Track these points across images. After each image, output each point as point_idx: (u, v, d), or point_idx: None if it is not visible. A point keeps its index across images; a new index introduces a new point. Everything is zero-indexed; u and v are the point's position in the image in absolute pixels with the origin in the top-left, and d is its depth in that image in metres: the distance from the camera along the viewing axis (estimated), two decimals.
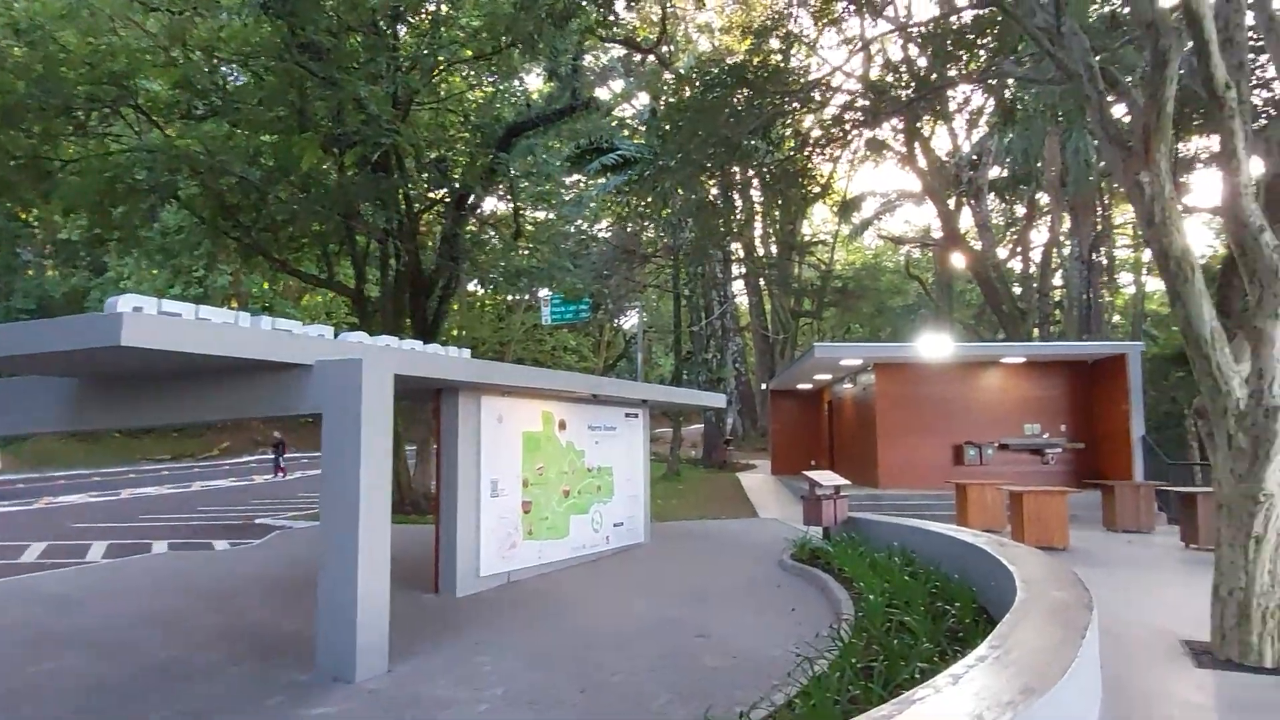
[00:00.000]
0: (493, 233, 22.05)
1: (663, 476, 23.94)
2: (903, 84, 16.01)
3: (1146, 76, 6.35)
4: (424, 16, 16.37)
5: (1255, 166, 6.45)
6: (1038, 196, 32.05)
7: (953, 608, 6.53)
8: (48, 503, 21.73)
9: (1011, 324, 27.53)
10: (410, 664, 6.43)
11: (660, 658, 6.53)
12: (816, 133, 15.95)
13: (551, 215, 24.77)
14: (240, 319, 6.35)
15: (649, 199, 20.91)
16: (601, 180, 26.43)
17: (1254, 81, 12.54)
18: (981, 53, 13.37)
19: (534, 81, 23.43)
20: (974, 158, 30.69)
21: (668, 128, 15.51)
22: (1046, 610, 4.90)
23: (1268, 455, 5.97)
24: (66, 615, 8.50)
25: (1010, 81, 15.34)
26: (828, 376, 22.73)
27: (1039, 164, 28.10)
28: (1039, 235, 34.39)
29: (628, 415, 13.10)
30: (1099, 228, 29.96)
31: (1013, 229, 36.99)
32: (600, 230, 35.39)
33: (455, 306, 28.64)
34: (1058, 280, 31.95)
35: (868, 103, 15.60)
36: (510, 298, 34.32)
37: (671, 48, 29.20)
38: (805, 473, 12.63)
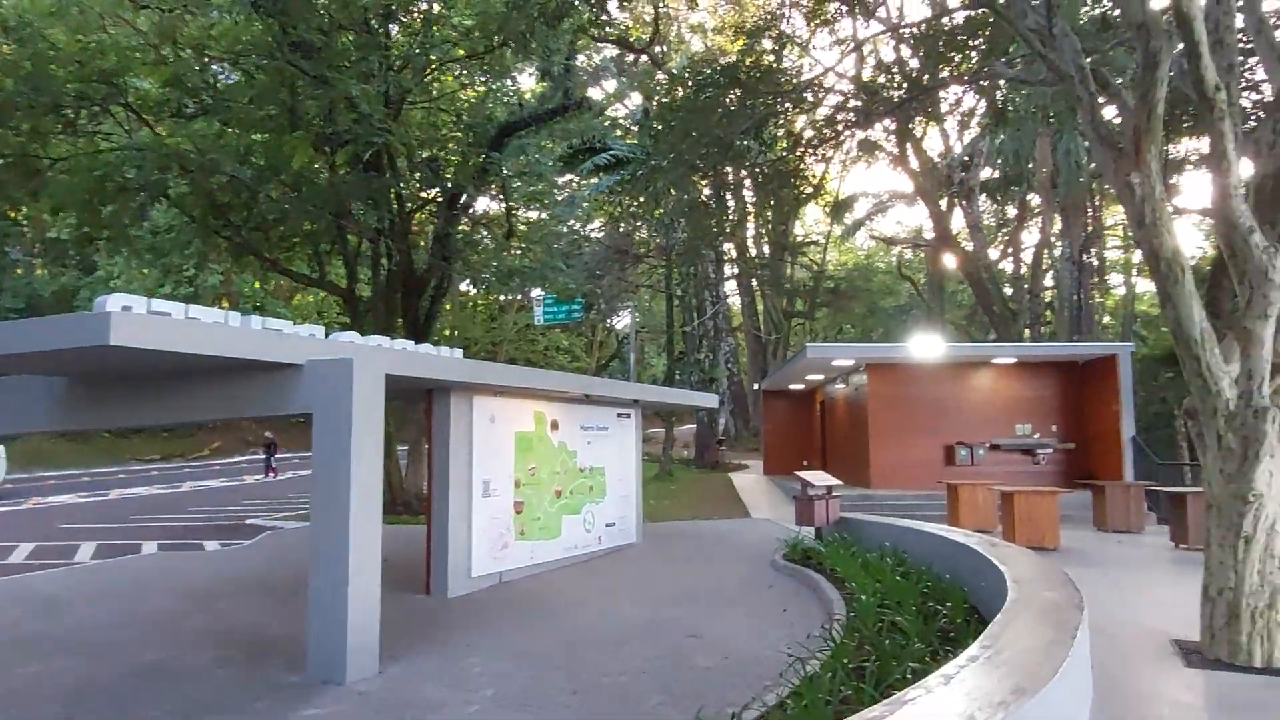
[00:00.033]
0: (485, 232, 22.02)
1: (655, 477, 23.93)
2: (895, 85, 16.03)
3: (1137, 78, 6.37)
4: (416, 15, 16.33)
5: (1245, 168, 6.47)
6: (1029, 198, 32.19)
7: (944, 608, 6.54)
8: (36, 503, 21.59)
9: (1003, 325, 27.64)
10: (401, 665, 6.40)
11: (652, 658, 6.52)
12: (809, 133, 15.96)
13: (544, 215, 24.74)
14: (230, 318, 6.32)
15: (641, 199, 20.92)
16: (594, 180, 26.42)
17: (1243, 84, 12.61)
18: (973, 54, 13.41)
19: (526, 81, 23.42)
20: (965, 159, 30.80)
21: (660, 128, 15.50)
22: (1038, 610, 4.91)
23: (1257, 456, 5.99)
24: (54, 616, 8.44)
25: (1002, 83, 15.38)
26: (820, 377, 22.77)
27: (1030, 165, 28.23)
28: (1030, 236, 34.55)
29: (620, 415, 13.09)
30: (1090, 229, 30.09)
31: (1004, 230, 37.13)
32: (593, 230, 35.40)
33: (447, 306, 28.56)
34: (1049, 281, 32.07)
35: (860, 103, 15.63)
36: (503, 298, 34.28)
37: (664, 48, 29.24)
38: (797, 473, 12.64)
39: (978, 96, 19.61)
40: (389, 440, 17.26)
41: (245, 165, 15.26)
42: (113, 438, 37.95)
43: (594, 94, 28.75)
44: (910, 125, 25.98)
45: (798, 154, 16.24)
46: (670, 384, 29.60)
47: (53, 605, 9.00)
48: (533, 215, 24.08)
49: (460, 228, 19.53)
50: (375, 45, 14.60)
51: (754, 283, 41.64)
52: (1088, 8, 14.37)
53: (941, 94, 19.46)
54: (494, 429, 9.88)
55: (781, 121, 16.17)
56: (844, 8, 14.73)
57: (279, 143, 14.42)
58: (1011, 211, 35.79)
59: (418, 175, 18.10)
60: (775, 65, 15.19)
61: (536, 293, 28.90)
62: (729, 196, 31.20)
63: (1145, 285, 38.20)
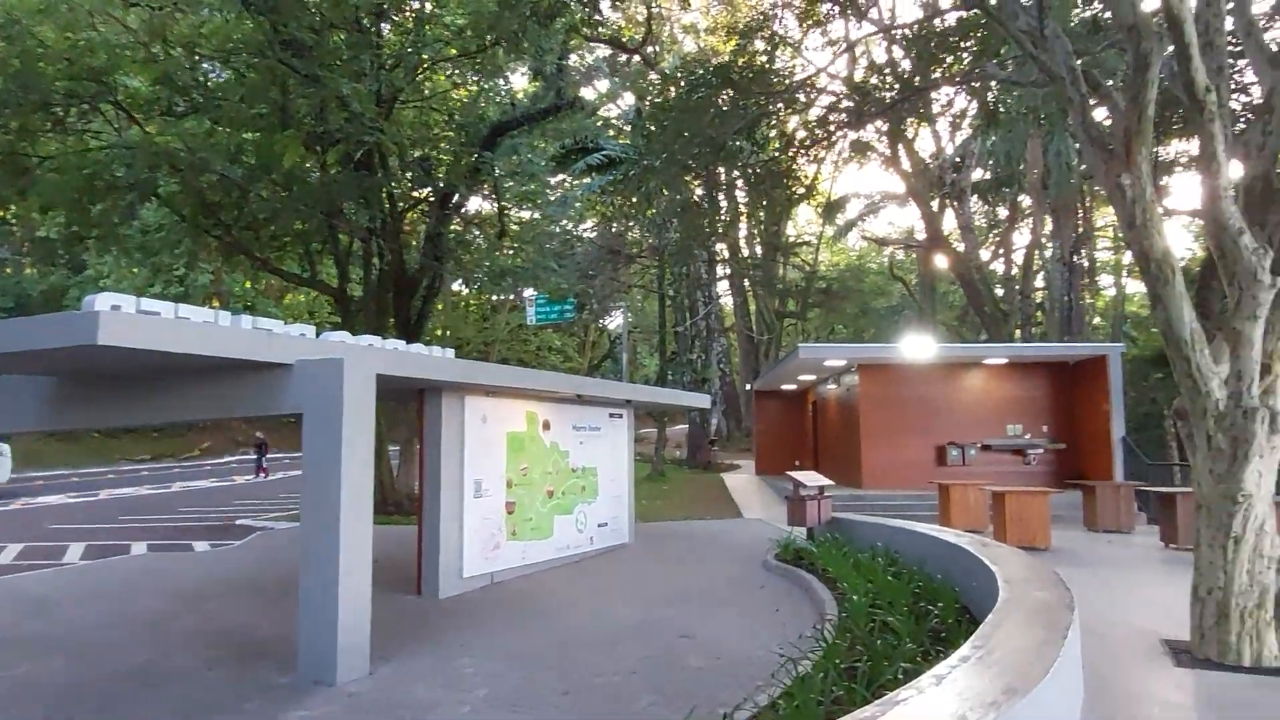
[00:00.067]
0: (477, 232, 21.97)
1: (647, 477, 23.93)
2: (887, 86, 16.09)
3: (1128, 80, 6.39)
4: (408, 14, 16.28)
5: (1234, 170, 6.51)
6: (1020, 199, 32.29)
7: (936, 608, 6.55)
8: (25, 503, 21.44)
9: (994, 325, 27.73)
10: (392, 666, 6.38)
11: (644, 659, 6.51)
12: (801, 134, 15.98)
13: (536, 215, 24.69)
14: (220, 318, 6.28)
15: (634, 199, 20.93)
16: (587, 180, 26.42)
17: (1233, 86, 12.67)
18: (965, 55, 13.45)
19: (519, 81, 23.38)
20: (957, 160, 30.88)
21: (653, 128, 15.52)
22: (1029, 610, 4.92)
23: (1246, 456, 6.02)
24: (43, 617, 8.39)
25: (993, 84, 15.43)
26: (812, 377, 22.80)
27: (1021, 166, 28.31)
28: (1021, 237, 34.66)
29: (612, 415, 13.08)
30: (1080, 230, 30.21)
31: (995, 231, 37.24)
32: (585, 230, 35.38)
33: (439, 306, 28.49)
34: (1039, 282, 32.20)
35: (852, 104, 15.66)
36: (495, 298, 34.21)
37: (657, 48, 29.20)
38: (789, 473, 12.65)
39: (969, 98, 19.68)
40: (380, 440, 17.18)
41: (236, 164, 15.18)
42: (102, 438, 37.75)
43: (587, 94, 28.70)
44: (902, 126, 26.05)
45: (790, 154, 16.26)
46: (663, 384, 29.62)
47: (42, 606, 8.94)
48: (525, 215, 24.03)
49: (452, 227, 19.50)
50: (367, 44, 14.55)
51: (746, 283, 41.69)
52: (1079, 10, 14.41)
53: (933, 95, 19.52)
54: (486, 429, 9.86)
55: (774, 122, 16.21)
56: (836, 9, 14.75)
57: (270, 141, 14.36)
58: (1003, 212, 35.90)
59: (409, 175, 18.05)
60: (768, 66, 15.22)
61: (529, 293, 28.84)
62: (721, 197, 31.24)
63: (1135, 286, 38.34)
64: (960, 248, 31.29)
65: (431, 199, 18.78)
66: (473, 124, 17.38)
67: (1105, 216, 33.88)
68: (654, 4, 24.44)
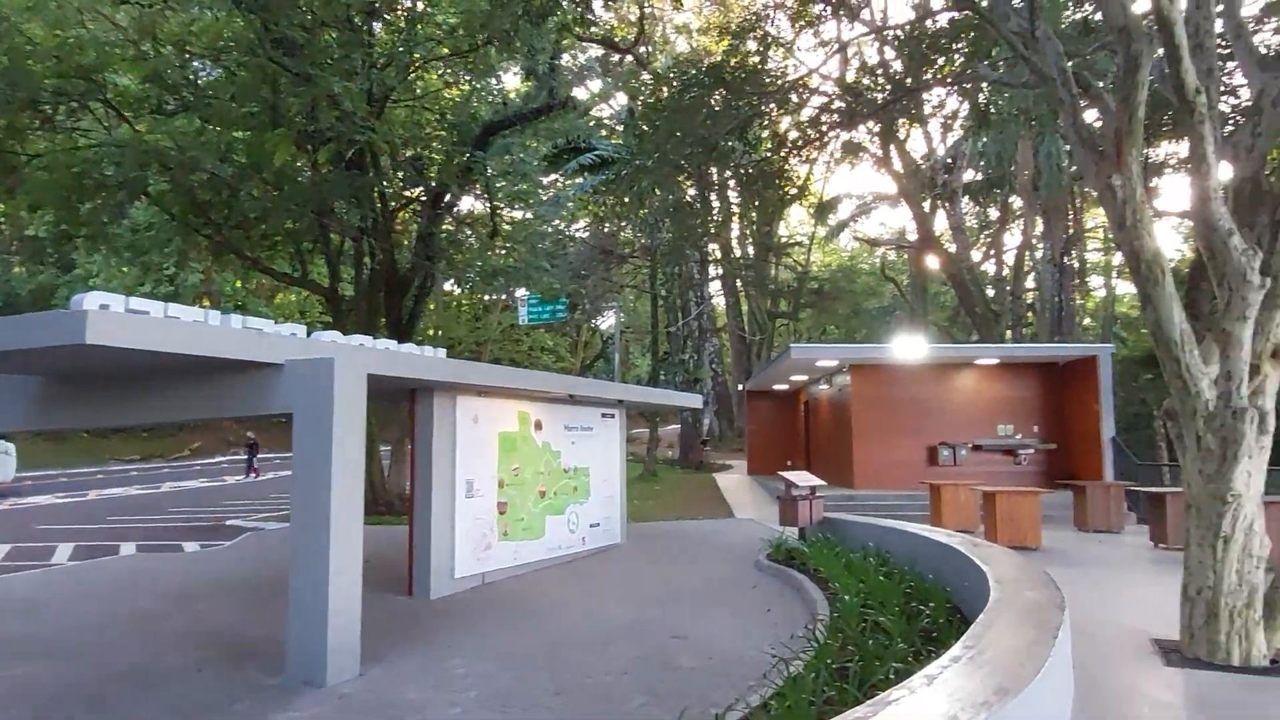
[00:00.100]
0: (469, 232, 21.92)
1: (639, 477, 23.92)
2: (879, 87, 16.09)
3: (1119, 81, 6.42)
4: (400, 13, 16.24)
5: (1224, 171, 6.54)
6: (1011, 200, 32.43)
7: (927, 608, 6.56)
8: (13, 504, 21.29)
9: (985, 326, 27.83)
10: (382, 667, 6.36)
11: (636, 659, 6.51)
12: (793, 134, 15.98)
13: (528, 215, 24.67)
14: (210, 317, 6.25)
15: (626, 199, 20.89)
16: (579, 180, 26.40)
17: (1221, 88, 12.74)
18: (957, 56, 13.48)
19: (511, 80, 23.38)
20: (949, 161, 31.00)
21: (645, 128, 15.50)
22: (1020, 610, 4.93)
23: (1235, 456, 6.05)
24: (31, 619, 8.32)
25: (984, 85, 15.48)
26: (804, 377, 22.83)
27: (1012, 168, 28.46)
28: (1012, 238, 34.83)
29: (604, 415, 13.06)
30: (1071, 231, 30.36)
31: (986, 232, 37.40)
32: (577, 230, 35.36)
33: (431, 306, 28.40)
34: (1030, 283, 32.34)
35: (844, 105, 15.68)
36: (487, 297, 34.14)
37: (649, 48, 29.23)
38: (781, 473, 12.67)
39: (961, 99, 19.72)
40: (372, 440, 17.15)
41: (226, 163, 15.12)
42: (91, 438, 37.54)
43: (579, 94, 28.75)
44: (894, 127, 26.12)
45: (782, 155, 16.27)
46: (655, 384, 29.63)
47: (30, 607, 8.88)
48: (517, 215, 24.01)
49: (444, 227, 19.45)
50: (358, 43, 14.51)
51: (738, 283, 41.72)
52: (1069, 12, 14.48)
53: (925, 96, 19.55)
54: (477, 429, 9.83)
55: (766, 122, 16.20)
56: (828, 10, 14.77)
57: (260, 140, 14.30)
58: (994, 214, 36.06)
59: (401, 174, 18.01)
60: (760, 66, 15.20)
61: (521, 293, 28.81)
62: (713, 197, 31.28)
63: (1125, 287, 38.61)
64: (952, 248, 31.41)
65: (423, 198, 18.73)
66: (465, 123, 17.34)
67: (1095, 218, 34.06)
68: (646, 4, 24.44)
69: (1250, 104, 6.87)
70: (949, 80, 14.88)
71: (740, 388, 37.48)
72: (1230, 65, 11.84)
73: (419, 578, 9.04)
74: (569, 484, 11.81)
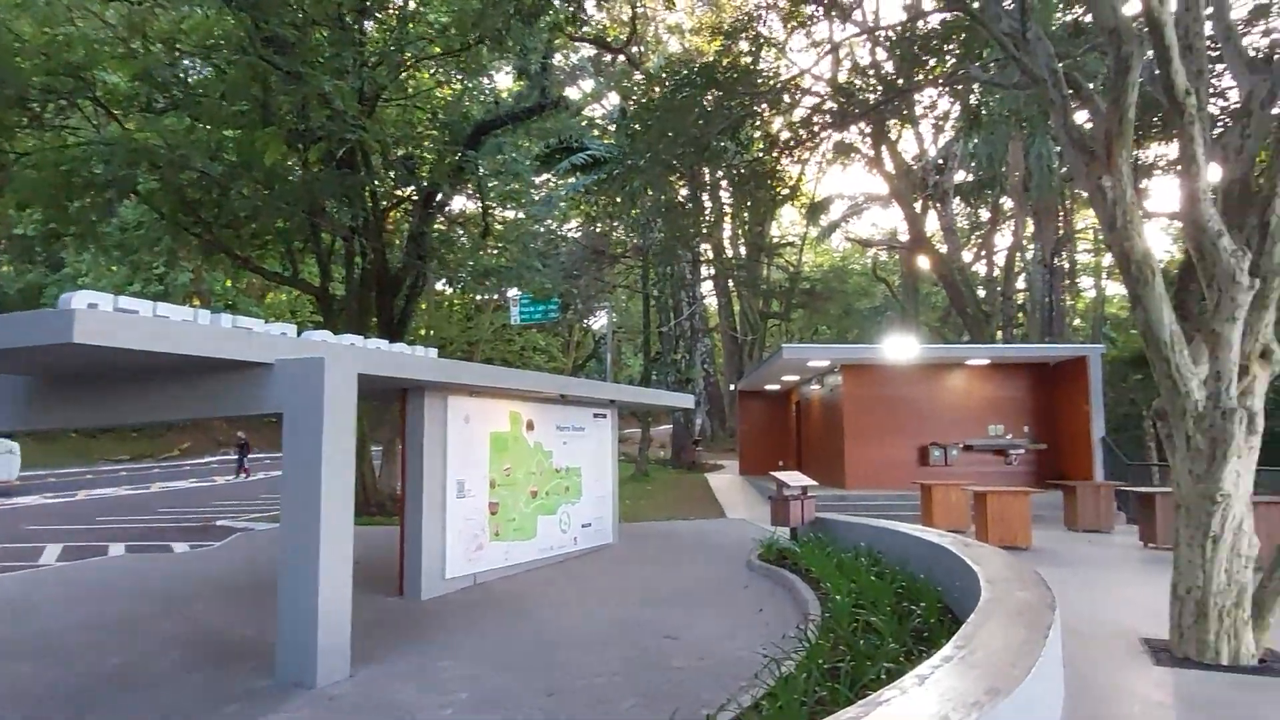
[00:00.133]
0: (461, 231, 21.87)
1: (631, 477, 23.91)
2: (870, 88, 16.15)
3: (1109, 82, 6.44)
4: (391, 11, 16.19)
5: (1213, 173, 6.57)
6: (1002, 201, 32.55)
7: (918, 608, 6.57)
8: (0, 504, 21.16)
9: (976, 326, 27.92)
10: (373, 668, 6.33)
11: (627, 660, 6.50)
12: (785, 134, 16.01)
13: (520, 214, 24.62)
14: (200, 317, 6.22)
15: (618, 199, 20.89)
16: (571, 180, 26.38)
17: (1211, 90, 12.81)
18: (948, 57, 13.52)
19: (503, 80, 23.34)
20: (940, 162, 31.08)
21: (637, 127, 15.48)
22: (1011, 610, 4.94)
23: (1224, 456, 6.07)
24: (18, 620, 8.27)
25: (976, 86, 15.53)
26: (795, 377, 22.86)
27: (1003, 169, 28.54)
28: (1003, 239, 34.94)
29: (596, 415, 13.05)
30: (1061, 232, 30.48)
31: (977, 233, 37.51)
32: (569, 230, 35.32)
33: (423, 306, 28.37)
34: (1021, 284, 32.45)
35: (836, 105, 15.71)
36: (479, 297, 34.09)
37: (641, 48, 29.22)
38: (773, 473, 12.67)
39: (952, 100, 19.79)
40: (363, 440, 17.08)
41: (216, 161, 15.03)
42: (80, 438, 37.33)
43: (571, 93, 28.71)
44: (885, 128, 26.18)
45: (774, 155, 16.30)
46: (647, 384, 29.59)
47: (17, 608, 8.82)
48: (509, 214, 23.96)
49: (436, 226, 19.41)
50: (349, 41, 14.46)
51: (730, 283, 41.78)
52: (1060, 13, 14.53)
53: (916, 97, 19.60)
54: (469, 429, 9.81)
55: (758, 122, 16.23)
56: (820, 10, 14.79)
57: (251, 139, 14.23)
58: (984, 215, 36.17)
59: (392, 173, 17.95)
60: (752, 66, 15.22)
61: (513, 292, 28.76)
62: (706, 197, 31.26)
63: (1115, 288, 38.80)
64: (943, 249, 31.49)
65: (415, 198, 18.68)
66: (456, 122, 17.30)
67: (1085, 219, 34.19)
68: (639, 4, 24.44)
69: (1239, 106, 6.90)
70: (940, 81, 14.93)
71: (732, 388, 37.50)
72: (1219, 67, 11.91)
73: (410, 578, 9.01)
74: (561, 484, 11.80)
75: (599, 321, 43.10)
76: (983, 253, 36.47)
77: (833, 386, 19.56)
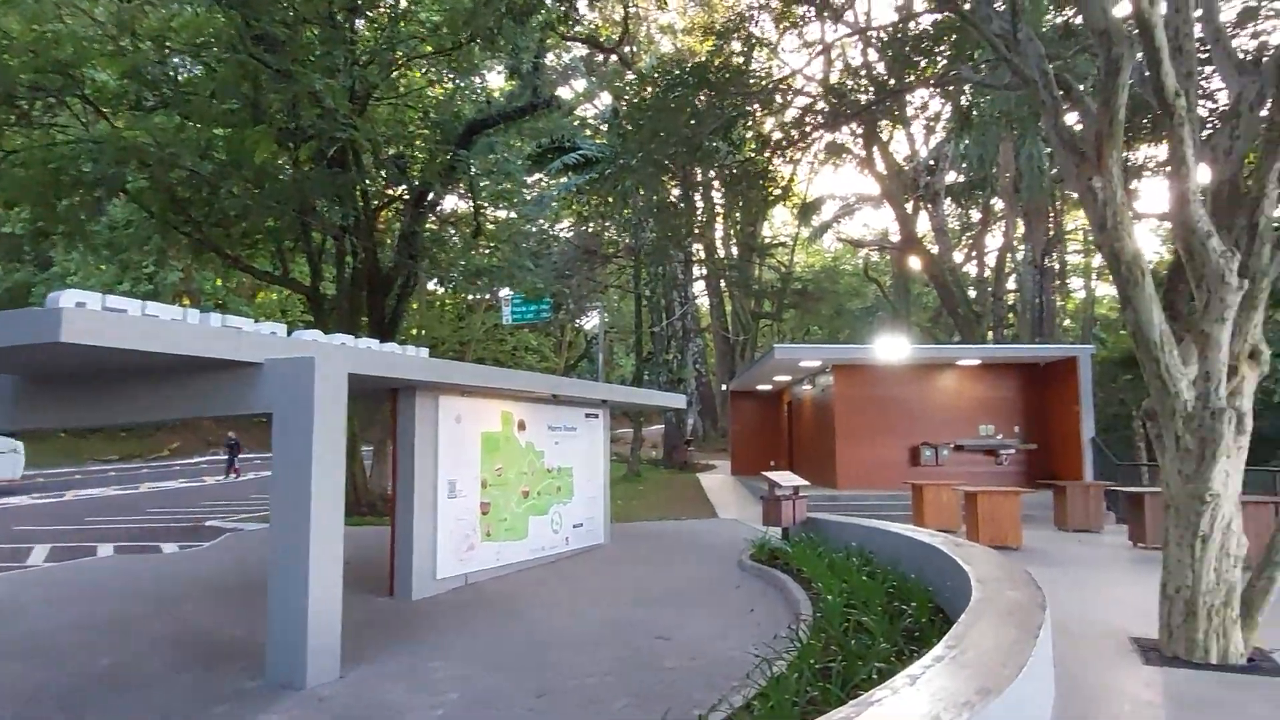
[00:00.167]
0: (452, 231, 21.82)
1: (623, 477, 23.90)
2: (862, 88, 16.16)
3: (1099, 84, 6.46)
4: (382, 10, 16.13)
5: (1203, 174, 6.60)
6: (992, 202, 32.66)
7: (910, 607, 6.58)
8: None
9: (967, 327, 27.99)
10: (363, 669, 6.30)
11: (619, 660, 6.49)
12: (777, 135, 16.02)
13: (512, 214, 24.59)
14: (189, 316, 6.18)
15: (610, 198, 20.90)
16: (563, 179, 26.34)
17: (1200, 92, 12.88)
18: (939, 59, 13.55)
19: (495, 79, 23.30)
20: (931, 163, 31.16)
21: (629, 127, 15.48)
22: (1002, 610, 4.95)
23: (1214, 456, 6.10)
24: (6, 621, 8.20)
25: (967, 87, 15.57)
26: (787, 378, 22.88)
27: (994, 170, 28.64)
28: (994, 240, 35.09)
29: (588, 415, 13.04)
30: (1051, 233, 30.60)
31: (968, 233, 37.64)
32: (561, 230, 35.29)
33: (414, 305, 28.29)
34: (1011, 284, 32.58)
35: (828, 106, 15.73)
36: (470, 297, 34.03)
37: (633, 48, 29.22)
38: (765, 473, 12.68)
39: (944, 101, 19.84)
40: (354, 440, 17.04)
41: (206, 160, 14.96)
42: (69, 438, 37.09)
43: (563, 93, 28.68)
44: (877, 129, 26.23)
45: (766, 155, 16.31)
46: (638, 384, 29.60)
47: (5, 609, 8.76)
48: (501, 214, 23.92)
49: (427, 226, 19.36)
50: (340, 39, 14.40)
51: (722, 284, 41.78)
52: (1051, 15, 14.58)
53: (908, 98, 19.66)
54: (460, 429, 9.78)
55: (750, 123, 16.24)
56: (812, 11, 14.82)
57: (241, 137, 14.16)
58: (975, 215, 36.31)
59: (384, 172, 17.89)
60: (744, 67, 15.23)
61: (505, 292, 28.73)
62: (697, 197, 31.27)
63: (1105, 289, 39.00)
64: (934, 250, 31.57)
65: (406, 197, 18.62)
66: (448, 122, 17.25)
67: (1075, 220, 34.37)
68: (631, 4, 24.43)
69: (1228, 108, 6.93)
70: (932, 82, 14.96)
71: (724, 388, 37.53)
72: (1208, 70, 11.97)
73: (401, 579, 8.98)
74: (552, 484, 11.78)
75: (591, 321, 43.06)
76: (974, 253, 36.59)
77: (824, 387, 19.59)
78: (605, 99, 31.83)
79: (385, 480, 17.05)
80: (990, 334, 29.26)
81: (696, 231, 32.07)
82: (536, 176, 26.93)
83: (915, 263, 32.99)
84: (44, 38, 13.03)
